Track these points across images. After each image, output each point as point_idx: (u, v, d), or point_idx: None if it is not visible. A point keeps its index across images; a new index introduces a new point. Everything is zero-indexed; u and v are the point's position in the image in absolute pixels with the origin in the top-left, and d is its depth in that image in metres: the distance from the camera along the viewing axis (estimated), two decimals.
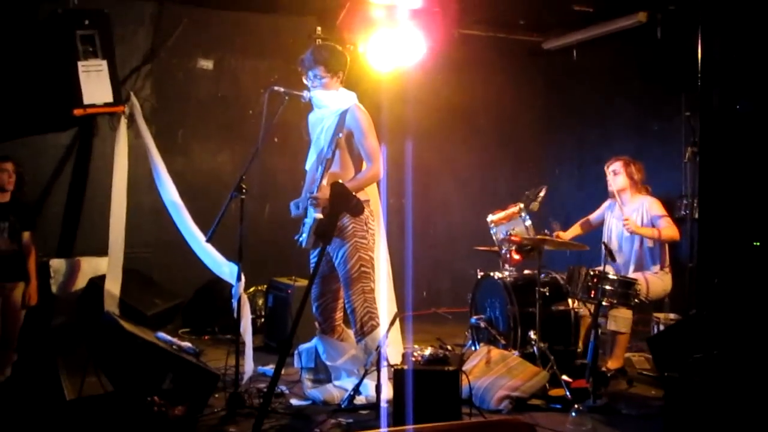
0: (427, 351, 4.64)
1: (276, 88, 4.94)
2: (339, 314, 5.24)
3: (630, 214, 5.82)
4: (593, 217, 6.25)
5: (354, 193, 4.01)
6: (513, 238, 5.81)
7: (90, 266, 6.64)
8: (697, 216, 6.03)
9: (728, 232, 3.30)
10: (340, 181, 4.24)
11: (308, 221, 4.95)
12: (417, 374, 4.28)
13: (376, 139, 5.01)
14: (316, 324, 5.28)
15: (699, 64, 3.37)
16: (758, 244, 3.14)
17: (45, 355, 5.85)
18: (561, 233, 6.10)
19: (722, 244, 3.33)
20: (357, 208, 3.86)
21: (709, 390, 3.10)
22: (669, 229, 5.69)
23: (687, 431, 3.29)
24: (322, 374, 5.12)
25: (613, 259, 5.25)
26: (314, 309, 5.24)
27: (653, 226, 5.74)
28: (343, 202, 3.64)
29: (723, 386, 3.09)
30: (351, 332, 5.19)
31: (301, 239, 5.05)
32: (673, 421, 3.42)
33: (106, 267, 6.25)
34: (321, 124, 5.09)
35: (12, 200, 5.64)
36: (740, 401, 3.06)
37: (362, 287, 4.97)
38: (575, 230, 6.29)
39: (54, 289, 6.50)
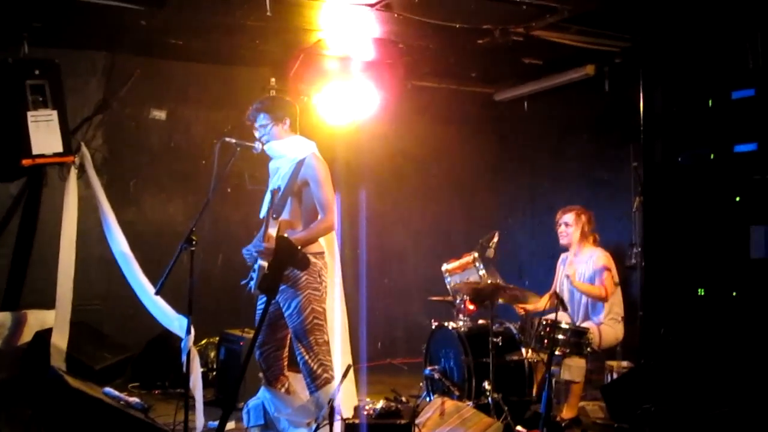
0: (380, 404, 4.58)
1: (227, 139, 4.93)
2: (283, 363, 5.16)
3: (579, 265, 5.92)
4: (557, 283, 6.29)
5: (300, 247, 3.99)
6: (469, 283, 5.82)
7: (36, 319, 6.46)
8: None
9: (673, 281, 3.35)
10: (286, 234, 4.23)
11: (256, 268, 4.91)
12: (369, 428, 4.23)
13: (332, 191, 5.00)
14: (260, 374, 5.20)
15: (641, 117, 3.44)
16: (702, 292, 3.19)
17: None
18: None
19: (668, 293, 3.37)
20: (302, 263, 3.84)
21: None
22: (595, 288, 5.78)
23: None
24: (272, 429, 5.03)
25: (565, 309, 5.30)
26: (257, 356, 5.14)
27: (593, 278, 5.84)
28: (289, 257, 3.62)
29: None
30: (297, 382, 5.11)
31: (250, 284, 5.00)
32: None
33: (53, 320, 6.12)
34: (277, 173, 5.08)
35: None
36: None
37: (315, 339, 4.91)
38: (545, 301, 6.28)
39: None
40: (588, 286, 5.81)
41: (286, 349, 5.13)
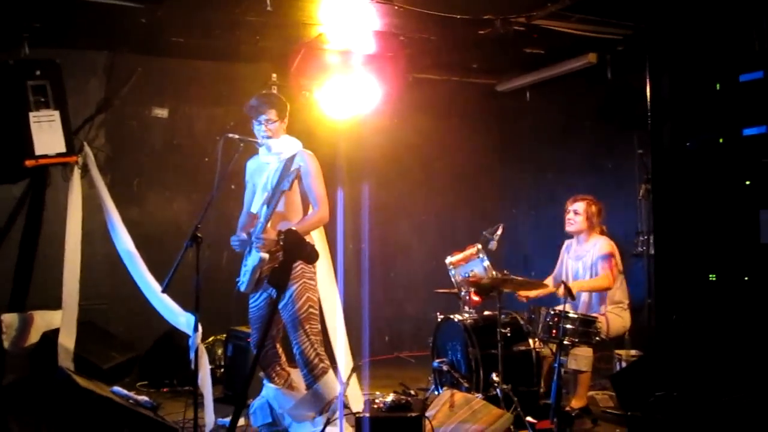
0: (390, 397, 4.57)
1: (231, 135, 4.94)
2: (282, 359, 5.17)
3: (584, 254, 5.90)
4: (557, 271, 6.27)
5: (307, 240, 3.98)
6: (471, 278, 5.81)
7: (43, 320, 6.47)
8: (653, 252, 6.13)
9: (684, 267, 3.33)
10: (293, 227, 4.22)
11: (249, 264, 4.90)
12: (379, 421, 4.23)
13: (323, 185, 5.01)
14: (260, 373, 5.18)
15: (648, 103, 3.42)
16: (714, 278, 3.17)
17: None
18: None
19: (679, 280, 3.35)
20: (312, 256, 3.83)
21: (671, 428, 3.09)
22: (599, 279, 5.75)
23: None
24: (280, 426, 5.04)
25: (573, 298, 5.28)
26: (254, 358, 5.12)
27: (594, 267, 5.82)
28: (298, 250, 3.61)
29: (685, 424, 3.09)
30: (296, 375, 5.11)
31: (240, 283, 5.00)
32: None
33: (60, 321, 6.13)
34: (266, 170, 5.07)
35: None
36: None
37: (310, 328, 4.90)
38: (549, 288, 6.26)
39: (6, 344, 6.31)
40: (591, 282, 5.77)
41: (280, 345, 5.14)
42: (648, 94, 3.53)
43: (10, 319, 6.40)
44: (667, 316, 3.42)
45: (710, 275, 3.21)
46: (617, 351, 6.06)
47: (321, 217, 4.99)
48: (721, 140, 3.12)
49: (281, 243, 4.16)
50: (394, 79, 7.70)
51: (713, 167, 3.23)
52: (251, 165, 5.27)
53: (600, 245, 5.85)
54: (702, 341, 3.33)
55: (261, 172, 5.12)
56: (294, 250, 3.61)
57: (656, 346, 3.78)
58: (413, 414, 4.38)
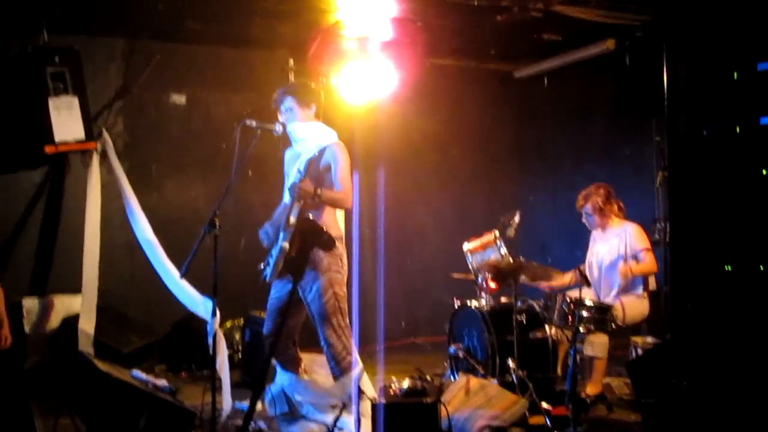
0: (405, 383, 4.60)
1: (248, 121, 4.95)
2: (295, 348, 5.22)
3: (612, 239, 5.88)
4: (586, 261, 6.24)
5: (324, 228, 3.99)
6: (491, 263, 5.81)
7: (63, 305, 6.55)
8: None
9: (700, 256, 3.33)
10: (310, 216, 4.25)
11: (274, 254, 4.93)
12: (395, 407, 4.25)
13: (350, 176, 5.03)
14: (273, 361, 5.21)
15: (665, 90, 3.41)
16: (729, 268, 3.17)
17: (18, 398, 5.73)
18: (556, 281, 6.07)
19: (694, 268, 3.35)
20: (328, 243, 3.85)
21: (687, 415, 3.10)
22: (648, 264, 5.74)
23: None
24: (297, 413, 5.08)
25: (588, 285, 5.28)
26: (267, 345, 5.16)
27: (635, 258, 5.79)
28: (314, 237, 3.63)
29: (699, 412, 3.10)
30: (316, 364, 5.15)
31: (264, 272, 5.02)
32: None
33: (79, 305, 6.21)
34: (298, 160, 5.08)
35: None
36: (717, 426, 3.07)
37: (338, 321, 4.94)
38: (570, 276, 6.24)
39: (27, 328, 6.39)
40: (641, 266, 5.75)
41: (296, 337, 5.17)
42: (665, 81, 3.50)
43: (31, 303, 6.47)
44: (683, 304, 3.42)
45: (726, 266, 3.20)
46: (633, 338, 6.05)
47: (344, 198, 5.00)
48: (738, 129, 3.11)
49: (297, 230, 4.20)
50: (412, 65, 7.67)
51: (730, 156, 3.22)
52: (287, 155, 5.29)
53: (632, 235, 5.81)
54: (717, 330, 3.32)
55: (293, 162, 5.15)
56: (310, 237, 3.64)
57: (672, 334, 3.76)
58: (429, 400, 4.41)
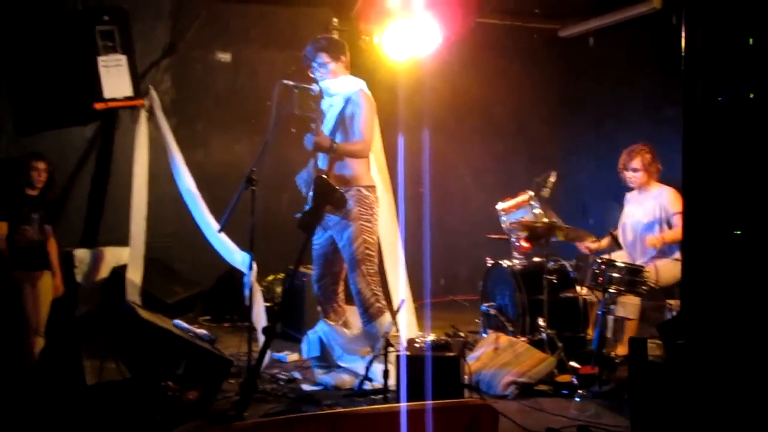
0: (431, 337, 4.73)
1: (285, 81, 5.06)
2: (340, 296, 5.38)
3: (648, 202, 5.87)
4: (620, 223, 6.24)
5: (337, 186, 4.10)
6: (523, 222, 5.86)
7: (113, 256, 6.81)
8: None
9: (713, 221, 3.35)
10: (323, 175, 4.37)
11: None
12: (417, 359, 4.38)
13: (373, 126, 5.13)
14: (318, 308, 5.41)
15: (682, 56, 3.41)
16: (739, 233, 3.19)
17: (69, 342, 6.03)
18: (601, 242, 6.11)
19: (708, 233, 3.37)
20: (340, 202, 3.97)
21: (690, 375, 3.17)
22: (680, 229, 5.71)
23: (650, 416, 3.39)
24: (329, 361, 5.25)
25: (620, 247, 5.30)
26: (315, 289, 5.42)
27: (668, 222, 5.80)
28: (326, 196, 3.75)
29: (704, 371, 3.16)
30: (353, 314, 5.31)
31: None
32: (638, 405, 3.52)
33: (128, 257, 6.44)
34: (330, 111, 5.21)
35: (41, 195, 5.79)
36: (721, 390, 3.13)
37: (366, 269, 5.10)
38: (607, 240, 6.27)
39: (78, 278, 6.67)
40: (674, 232, 5.75)
41: (342, 284, 5.33)
42: (683, 47, 3.49)
43: (82, 254, 6.75)
44: (694, 269, 3.45)
45: (735, 231, 3.22)
46: (669, 301, 6.06)
47: (361, 149, 5.11)
48: (751, 95, 3.10)
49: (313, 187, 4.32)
50: (457, 23, 7.64)
51: (744, 122, 3.22)
52: (323, 107, 5.37)
53: (668, 198, 5.80)
54: (729, 295, 3.36)
55: (326, 114, 5.26)
56: (323, 195, 3.76)
57: (682, 299, 3.80)
58: (450, 354, 4.53)
